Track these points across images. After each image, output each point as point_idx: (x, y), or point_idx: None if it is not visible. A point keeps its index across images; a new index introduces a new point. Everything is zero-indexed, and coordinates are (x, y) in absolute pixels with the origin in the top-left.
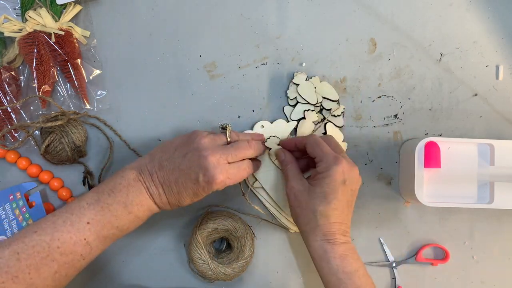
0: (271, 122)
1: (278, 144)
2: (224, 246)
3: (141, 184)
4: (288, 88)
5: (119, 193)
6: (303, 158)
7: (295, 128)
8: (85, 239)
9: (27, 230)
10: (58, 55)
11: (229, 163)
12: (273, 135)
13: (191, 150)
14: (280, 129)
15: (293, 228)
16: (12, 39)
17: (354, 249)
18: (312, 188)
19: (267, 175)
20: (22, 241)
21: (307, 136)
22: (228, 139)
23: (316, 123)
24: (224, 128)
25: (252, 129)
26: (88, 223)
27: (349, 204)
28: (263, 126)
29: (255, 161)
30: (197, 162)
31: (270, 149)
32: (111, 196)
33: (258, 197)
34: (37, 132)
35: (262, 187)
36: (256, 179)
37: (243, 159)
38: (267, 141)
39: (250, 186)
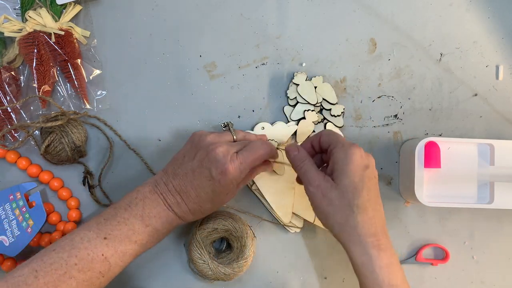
0: (272, 124)
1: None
2: (224, 246)
3: (158, 196)
4: (288, 88)
5: (135, 207)
6: (316, 155)
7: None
8: (103, 255)
9: (47, 249)
10: (58, 55)
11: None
12: (272, 139)
13: (199, 150)
14: (280, 132)
15: (293, 228)
16: (12, 39)
17: (397, 256)
18: (338, 180)
19: (265, 179)
20: (41, 259)
21: (320, 132)
22: (234, 137)
23: (316, 123)
24: (226, 126)
25: (252, 130)
26: (105, 238)
27: (377, 194)
28: (263, 128)
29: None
30: (206, 158)
31: None
32: (128, 210)
33: (258, 198)
34: (37, 132)
35: (258, 190)
36: (254, 182)
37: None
38: None
39: (250, 187)
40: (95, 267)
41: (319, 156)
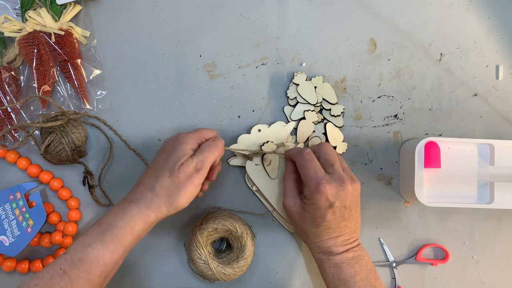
0: (271, 123)
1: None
2: (224, 246)
3: (125, 200)
4: (288, 88)
5: (106, 217)
6: None
7: (296, 128)
8: (60, 269)
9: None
10: (58, 55)
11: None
12: (271, 140)
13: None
14: (277, 133)
15: (293, 228)
16: (12, 39)
17: (354, 253)
18: (302, 211)
19: (264, 180)
20: None
21: (296, 154)
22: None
23: (316, 123)
24: None
25: (249, 133)
26: (65, 253)
27: (345, 217)
28: (260, 130)
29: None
30: (163, 144)
31: (264, 153)
32: (97, 223)
33: (258, 198)
34: (37, 132)
35: (259, 190)
36: (254, 184)
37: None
38: (264, 145)
39: (250, 188)
40: (54, 283)
41: None
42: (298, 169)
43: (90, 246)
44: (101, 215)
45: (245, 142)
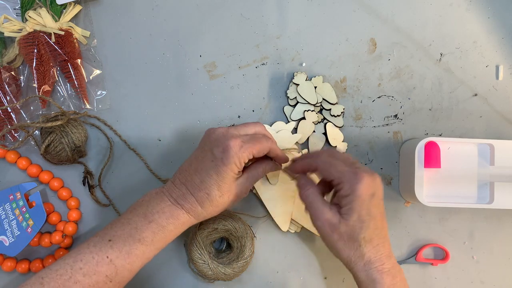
0: (272, 123)
1: (288, 167)
2: (224, 246)
3: (163, 193)
4: (288, 88)
5: (139, 208)
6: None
7: (295, 128)
8: (107, 257)
9: (57, 259)
10: (58, 55)
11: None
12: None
13: (202, 141)
14: (279, 133)
15: (293, 228)
16: (12, 39)
17: (400, 273)
18: (346, 216)
19: (264, 186)
20: (48, 267)
21: (315, 157)
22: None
23: (316, 123)
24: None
25: None
26: (109, 240)
27: (383, 216)
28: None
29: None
30: (208, 141)
31: None
32: (132, 212)
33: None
34: (37, 132)
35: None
36: (254, 187)
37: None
38: None
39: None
40: (100, 270)
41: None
42: (322, 171)
43: (140, 242)
44: (101, 215)
45: None
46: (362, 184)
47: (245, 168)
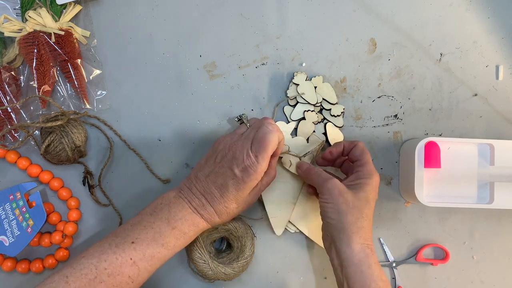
0: None
1: (321, 157)
2: (224, 246)
3: (182, 199)
4: (288, 88)
5: (160, 212)
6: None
7: (295, 128)
8: (131, 259)
9: (76, 257)
10: (58, 55)
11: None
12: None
13: (218, 153)
14: (296, 143)
15: (293, 228)
16: (12, 39)
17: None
18: (355, 191)
19: (269, 187)
20: (71, 266)
21: (356, 141)
22: (248, 126)
23: (316, 123)
24: (240, 119)
25: None
26: (132, 242)
27: (372, 215)
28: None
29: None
30: (226, 159)
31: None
32: (153, 215)
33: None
34: (37, 132)
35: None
36: None
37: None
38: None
39: None
40: (124, 271)
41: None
42: (357, 152)
43: (163, 246)
44: (101, 215)
45: None
46: (377, 178)
47: None
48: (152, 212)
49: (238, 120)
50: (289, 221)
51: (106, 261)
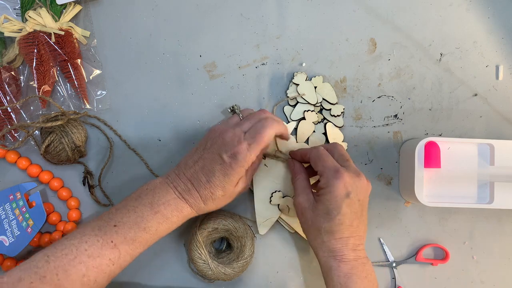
0: None
1: (289, 154)
2: (224, 246)
3: (168, 185)
4: (288, 88)
5: (145, 196)
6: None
7: (295, 128)
8: (112, 241)
9: (60, 239)
10: (58, 55)
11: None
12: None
13: (209, 140)
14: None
15: (293, 228)
16: (12, 39)
17: (363, 266)
18: (316, 205)
19: (259, 179)
20: (54, 246)
21: (310, 149)
22: (240, 116)
23: (316, 123)
24: (232, 110)
25: None
26: (115, 225)
27: (358, 215)
28: None
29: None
30: (215, 145)
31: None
32: (138, 200)
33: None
34: (37, 132)
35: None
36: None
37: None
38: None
39: (251, 188)
40: (104, 253)
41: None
42: (312, 162)
43: (145, 230)
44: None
45: None
46: (338, 182)
47: None
48: (137, 197)
49: (230, 111)
50: (286, 222)
51: (87, 243)
